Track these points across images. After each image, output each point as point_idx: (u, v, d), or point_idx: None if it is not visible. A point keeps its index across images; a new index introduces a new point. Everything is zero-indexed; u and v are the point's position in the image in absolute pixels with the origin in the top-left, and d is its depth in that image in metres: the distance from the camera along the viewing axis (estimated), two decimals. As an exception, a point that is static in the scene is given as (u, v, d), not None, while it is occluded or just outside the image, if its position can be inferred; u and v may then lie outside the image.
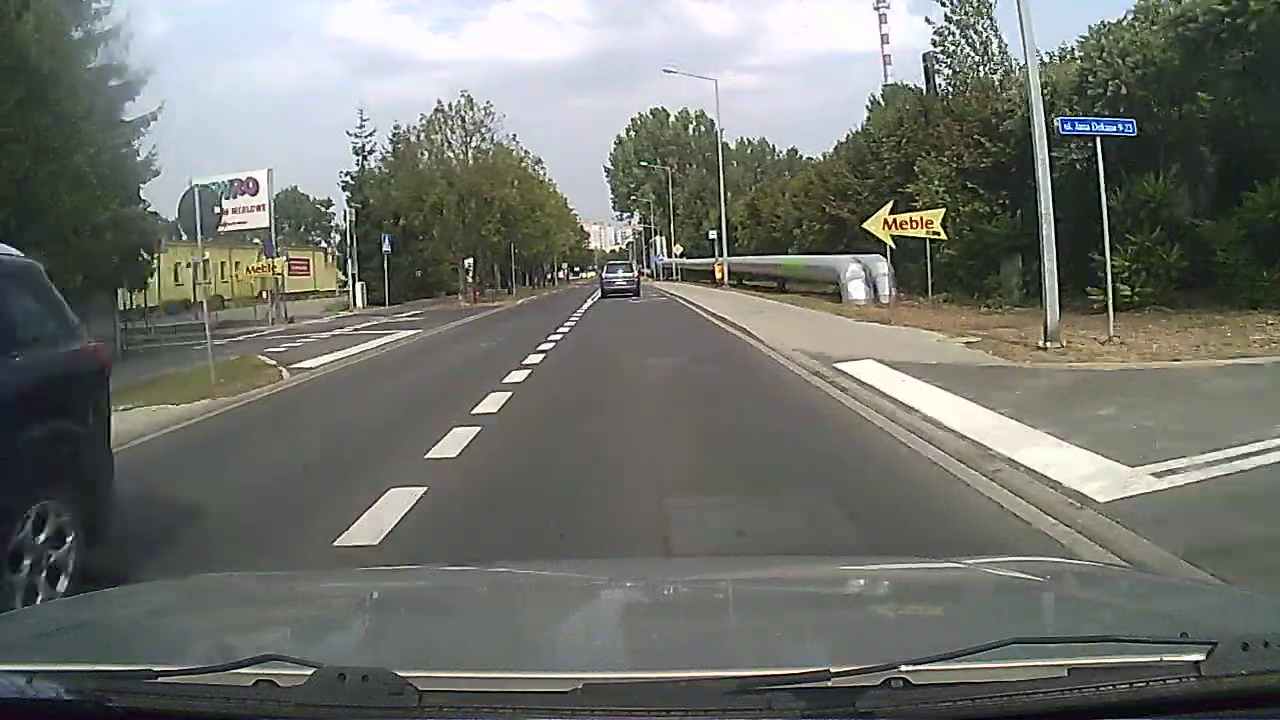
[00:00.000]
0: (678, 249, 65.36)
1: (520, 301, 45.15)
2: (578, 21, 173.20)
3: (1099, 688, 1.11)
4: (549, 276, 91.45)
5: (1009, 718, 1.11)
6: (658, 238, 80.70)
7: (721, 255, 44.67)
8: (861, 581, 2.18)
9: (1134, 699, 1.11)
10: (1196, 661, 1.12)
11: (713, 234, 47.86)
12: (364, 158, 50.52)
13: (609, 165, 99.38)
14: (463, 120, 47.08)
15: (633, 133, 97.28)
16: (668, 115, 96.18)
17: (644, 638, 1.68)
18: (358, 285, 44.99)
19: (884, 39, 74.39)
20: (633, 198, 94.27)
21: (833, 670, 1.12)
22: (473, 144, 47.38)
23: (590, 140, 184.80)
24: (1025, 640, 1.18)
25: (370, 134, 50.16)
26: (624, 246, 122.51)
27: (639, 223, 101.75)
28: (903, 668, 1.13)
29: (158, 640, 1.68)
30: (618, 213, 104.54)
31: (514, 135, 49.22)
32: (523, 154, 52.70)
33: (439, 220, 44.94)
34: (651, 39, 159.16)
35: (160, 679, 1.20)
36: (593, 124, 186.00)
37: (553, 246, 74.98)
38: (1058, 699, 1.11)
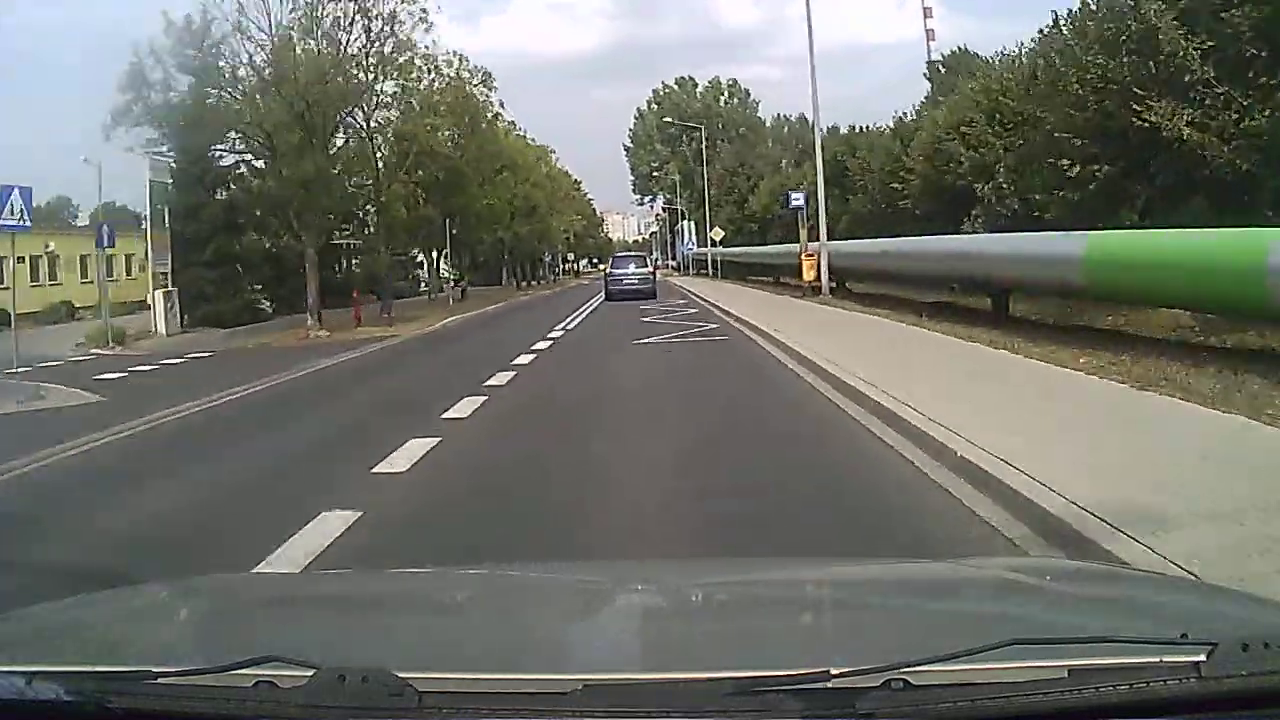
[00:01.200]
0: (716, 234, 47.77)
1: (442, 324, 25.80)
2: (598, 13, 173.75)
3: (1099, 688, 1.11)
4: (556, 271, 77.90)
5: (1009, 718, 1.11)
6: (685, 223, 66.44)
7: (811, 241, 24.64)
8: (861, 581, 2.18)
9: (1134, 699, 1.11)
10: (1197, 662, 1.12)
11: (796, 200, 25.72)
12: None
13: (628, 143, 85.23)
14: (364, 10, 25.25)
15: (655, 105, 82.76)
16: (695, 85, 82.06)
17: (644, 638, 1.68)
18: (160, 294, 26.61)
19: (927, 12, 68.67)
20: (655, 175, 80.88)
21: (832, 671, 1.12)
22: (376, 49, 26.01)
23: (609, 133, 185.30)
24: (1025, 640, 1.18)
25: (216, 44, 23.99)
26: (647, 237, 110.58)
27: (662, 208, 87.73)
28: (903, 669, 1.13)
29: (158, 640, 1.68)
30: (638, 196, 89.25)
31: (427, 16, 26.31)
32: (453, 59, 30.22)
33: (268, 170, 25.97)
34: (672, 30, 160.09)
35: (160, 680, 1.20)
36: (612, 116, 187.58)
37: (548, 232, 58.19)
38: (1058, 699, 1.11)
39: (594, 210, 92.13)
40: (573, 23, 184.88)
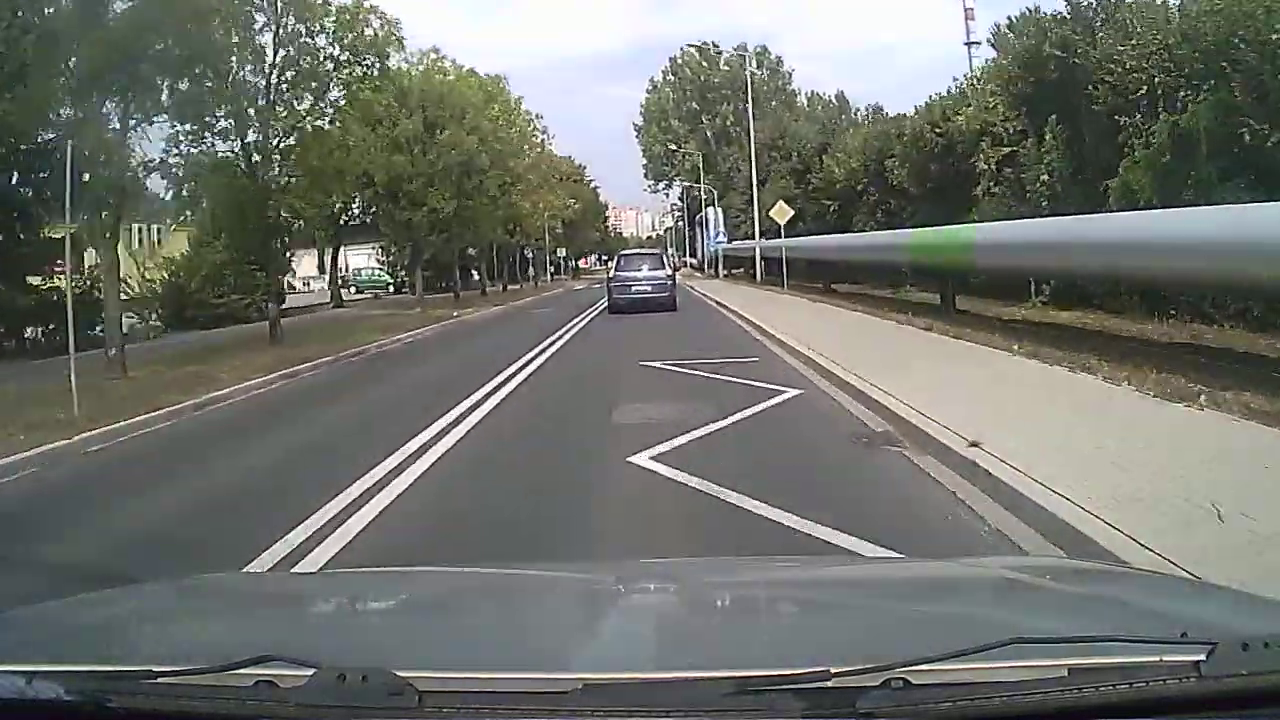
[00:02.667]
0: (780, 212, 30.50)
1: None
2: (616, 9, 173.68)
3: (1099, 688, 1.11)
4: (538, 271, 61.24)
5: (1009, 718, 1.11)
6: (711, 210, 53.48)
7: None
8: (861, 581, 2.18)
9: (1134, 699, 1.11)
10: (1196, 661, 1.12)
11: None
12: None
13: (638, 121, 71.24)
14: None
15: (671, 75, 69.57)
16: (719, 53, 67.46)
17: (644, 638, 1.68)
18: None
19: (966, -10, 57.75)
20: (672, 155, 66.17)
21: (833, 670, 1.12)
22: None
23: (619, 132, 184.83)
24: (1025, 640, 1.18)
25: None
26: (661, 234, 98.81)
27: (678, 199, 74.07)
28: (903, 668, 1.13)
29: (158, 640, 1.68)
30: (650, 182, 73.63)
31: None
32: None
33: None
34: (691, 26, 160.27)
35: (160, 679, 1.20)
36: (627, 113, 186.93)
37: (520, 217, 40.21)
38: (1058, 699, 1.11)
39: (597, 195, 75.62)
40: (591, 18, 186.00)
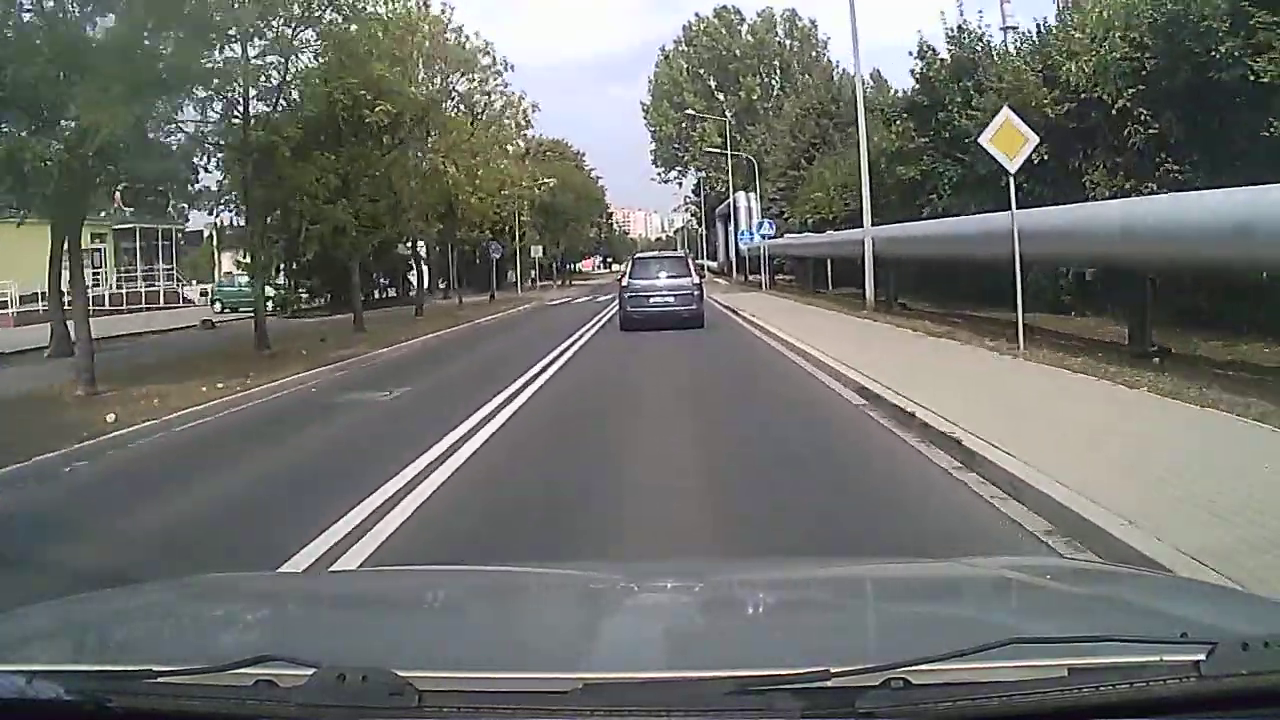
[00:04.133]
0: (1011, 138, 10.67)
1: None
2: (623, 10, 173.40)
3: (1099, 688, 1.11)
4: (534, 275, 50.88)
5: (1009, 718, 1.11)
6: (743, 195, 42.34)
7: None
8: (861, 581, 2.18)
9: (1134, 699, 1.11)
10: (1196, 661, 1.12)
11: None
12: None
13: (646, 99, 62.37)
14: None
15: (685, 46, 60.51)
16: (740, 19, 59.22)
17: (644, 638, 1.68)
18: None
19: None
20: (692, 117, 55.18)
21: (832, 670, 1.12)
22: None
23: (626, 132, 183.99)
24: (1025, 640, 1.18)
25: None
26: (672, 234, 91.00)
27: (692, 191, 65.07)
28: (902, 668, 1.13)
29: (158, 640, 1.68)
30: (660, 170, 63.68)
31: None
32: None
33: None
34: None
35: (160, 679, 1.20)
36: (629, 116, 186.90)
37: (455, 197, 28.51)
38: (1058, 699, 1.11)
39: (595, 180, 64.75)
40: (597, 19, 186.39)
